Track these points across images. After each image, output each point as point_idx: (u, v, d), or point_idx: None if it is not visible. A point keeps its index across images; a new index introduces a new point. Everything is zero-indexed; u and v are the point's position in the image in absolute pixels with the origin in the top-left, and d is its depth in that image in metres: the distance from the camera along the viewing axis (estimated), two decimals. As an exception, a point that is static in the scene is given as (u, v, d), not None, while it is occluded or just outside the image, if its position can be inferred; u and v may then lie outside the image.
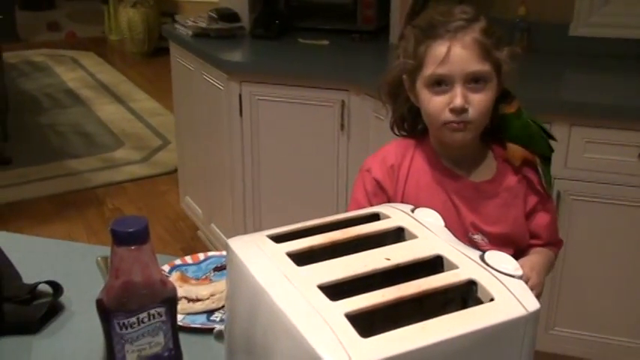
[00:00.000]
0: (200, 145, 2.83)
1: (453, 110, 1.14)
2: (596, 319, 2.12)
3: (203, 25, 2.75)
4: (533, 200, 1.27)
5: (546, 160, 1.27)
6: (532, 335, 0.72)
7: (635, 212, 1.98)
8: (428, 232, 0.85)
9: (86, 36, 7.05)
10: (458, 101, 1.13)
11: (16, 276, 1.12)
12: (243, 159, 2.46)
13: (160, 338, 0.90)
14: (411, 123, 1.29)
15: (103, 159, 4.03)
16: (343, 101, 2.25)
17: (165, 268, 1.20)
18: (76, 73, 5.86)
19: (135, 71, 5.87)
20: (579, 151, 1.98)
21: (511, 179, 1.25)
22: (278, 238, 0.83)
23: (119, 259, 0.87)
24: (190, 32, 2.74)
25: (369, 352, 0.63)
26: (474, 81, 1.14)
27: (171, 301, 0.91)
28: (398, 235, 0.86)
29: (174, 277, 1.15)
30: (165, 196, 3.57)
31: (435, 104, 1.16)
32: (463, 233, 1.21)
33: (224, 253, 1.25)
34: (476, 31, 1.14)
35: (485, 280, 0.74)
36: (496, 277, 0.75)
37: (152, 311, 0.88)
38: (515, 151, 1.23)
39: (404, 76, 1.23)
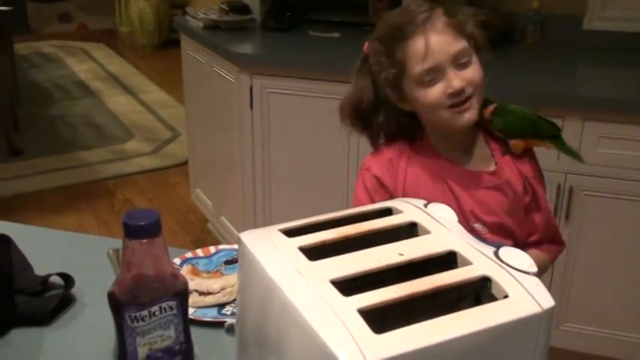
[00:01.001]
0: (210, 137, 2.83)
1: (453, 94, 1.17)
2: (607, 315, 2.11)
3: (214, 17, 2.75)
4: (527, 196, 1.28)
5: (558, 140, 1.30)
6: (546, 332, 0.72)
7: (649, 208, 1.97)
8: (441, 227, 0.84)
9: (97, 27, 7.07)
10: (456, 84, 1.16)
11: (28, 267, 1.12)
12: (254, 152, 2.45)
13: (171, 331, 0.90)
14: (409, 128, 1.28)
15: (113, 150, 4.04)
16: (354, 94, 2.24)
17: (177, 261, 1.20)
18: (87, 65, 5.88)
19: (145, 63, 5.88)
20: (592, 146, 1.96)
21: (511, 173, 1.27)
22: (290, 233, 0.82)
23: (131, 252, 0.87)
24: (201, 24, 2.74)
25: (382, 349, 0.63)
26: (459, 60, 1.17)
27: (182, 295, 0.91)
28: (411, 230, 0.85)
29: (185, 270, 1.15)
30: (176, 188, 3.58)
31: (434, 94, 1.17)
32: (464, 222, 1.21)
33: (235, 246, 1.24)
34: (440, 16, 1.17)
35: (499, 276, 0.73)
36: (510, 274, 0.74)
37: (163, 304, 0.88)
38: (516, 143, 1.26)
39: (387, 90, 1.23)
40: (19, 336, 1.01)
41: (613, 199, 1.99)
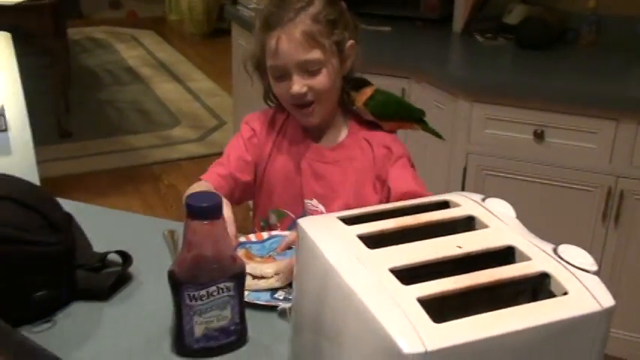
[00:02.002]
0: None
1: (293, 96, 1.25)
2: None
3: (266, 7, 2.76)
4: (378, 180, 1.31)
5: (423, 122, 1.40)
6: (605, 332, 0.72)
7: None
8: (499, 222, 0.84)
9: (146, 15, 7.16)
10: (294, 89, 1.24)
11: (87, 245, 1.15)
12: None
13: (228, 312, 0.92)
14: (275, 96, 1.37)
15: (159, 136, 4.11)
16: (404, 89, 2.24)
17: (229, 245, 1.22)
18: (136, 51, 5.97)
19: (194, 51, 5.95)
20: (646, 150, 1.93)
21: (359, 153, 1.32)
22: (348, 221, 0.83)
23: (192, 233, 0.89)
24: (253, 14, 2.76)
25: (443, 338, 0.63)
26: (307, 68, 1.23)
27: (239, 277, 0.93)
28: (468, 224, 0.86)
29: (239, 254, 1.17)
30: (220, 175, 3.61)
31: (279, 90, 1.29)
32: (299, 196, 1.31)
33: (287, 232, 1.26)
34: (305, 21, 1.22)
35: (558, 273, 0.73)
36: (570, 271, 0.74)
37: (221, 285, 0.91)
38: (388, 125, 1.35)
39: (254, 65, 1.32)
40: (79, 309, 1.05)
41: (665, 204, 1.95)
